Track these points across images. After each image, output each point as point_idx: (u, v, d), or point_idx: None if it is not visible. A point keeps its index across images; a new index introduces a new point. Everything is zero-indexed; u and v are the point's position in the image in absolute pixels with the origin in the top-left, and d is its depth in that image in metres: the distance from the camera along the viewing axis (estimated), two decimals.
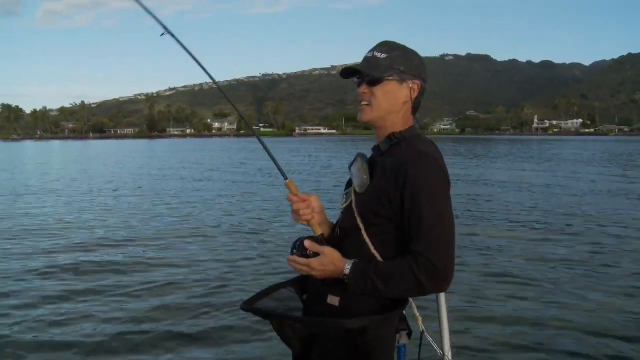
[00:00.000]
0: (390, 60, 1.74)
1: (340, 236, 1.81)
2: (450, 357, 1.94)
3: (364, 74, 1.76)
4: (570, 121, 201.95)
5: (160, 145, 79.84)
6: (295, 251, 1.74)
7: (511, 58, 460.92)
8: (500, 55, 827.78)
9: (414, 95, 1.78)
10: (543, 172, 23.92)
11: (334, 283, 1.72)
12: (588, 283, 6.23)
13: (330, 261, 1.68)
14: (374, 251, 1.70)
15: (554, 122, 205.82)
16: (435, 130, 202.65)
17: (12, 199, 14.60)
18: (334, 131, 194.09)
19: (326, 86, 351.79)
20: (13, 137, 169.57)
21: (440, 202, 1.63)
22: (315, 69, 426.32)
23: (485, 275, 6.53)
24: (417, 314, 1.87)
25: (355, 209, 1.75)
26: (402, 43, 1.79)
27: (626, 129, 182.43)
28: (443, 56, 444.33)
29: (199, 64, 1.91)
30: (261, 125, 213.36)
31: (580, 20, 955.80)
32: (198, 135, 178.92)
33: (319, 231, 1.83)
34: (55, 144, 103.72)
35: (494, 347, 4.44)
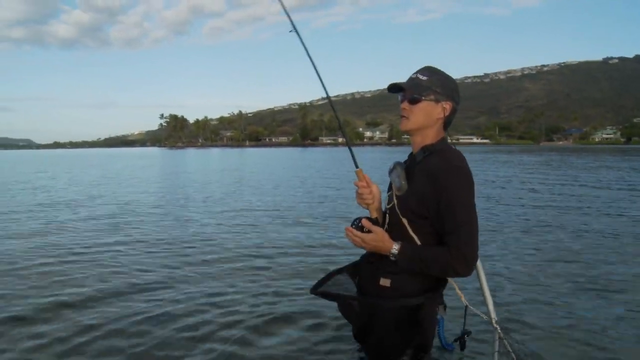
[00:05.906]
0: (430, 83, 2.05)
1: (388, 230, 2.10)
2: (496, 318, 2.26)
3: (407, 92, 2.08)
4: None
5: (318, 153, 66.23)
6: (353, 226, 2.07)
7: None
8: None
9: (446, 113, 2.10)
10: None
11: (384, 266, 2.08)
12: None
13: (381, 239, 2.04)
14: (418, 243, 2.06)
15: None
16: (597, 140, 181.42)
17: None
18: (487, 140, 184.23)
19: (478, 94, 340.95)
20: (178, 144, 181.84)
21: (469, 205, 1.98)
22: (467, 77, 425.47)
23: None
24: (460, 292, 2.21)
25: (398, 210, 2.08)
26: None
27: None
28: (606, 60, 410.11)
29: (313, 63, 2.25)
30: None
31: None
32: (350, 144, 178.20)
33: (374, 215, 2.14)
34: (215, 151, 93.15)
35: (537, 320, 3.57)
